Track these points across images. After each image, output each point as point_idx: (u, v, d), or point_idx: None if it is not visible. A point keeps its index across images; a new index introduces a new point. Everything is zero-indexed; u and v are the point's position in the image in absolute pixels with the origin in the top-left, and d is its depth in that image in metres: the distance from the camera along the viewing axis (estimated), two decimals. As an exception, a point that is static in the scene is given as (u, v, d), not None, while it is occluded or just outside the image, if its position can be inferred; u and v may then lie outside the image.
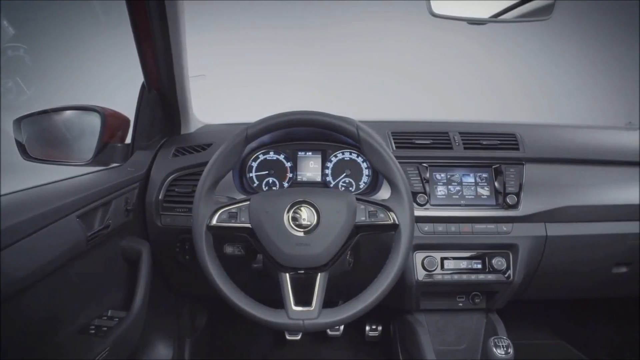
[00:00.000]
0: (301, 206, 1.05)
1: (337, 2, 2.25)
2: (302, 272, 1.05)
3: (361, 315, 1.04)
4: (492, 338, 1.21)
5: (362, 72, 2.40)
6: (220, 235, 1.15)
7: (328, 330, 1.75)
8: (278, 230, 1.04)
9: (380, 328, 1.79)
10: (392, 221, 1.06)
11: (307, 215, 1.04)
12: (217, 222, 1.06)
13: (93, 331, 1.06)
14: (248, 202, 1.08)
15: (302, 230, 1.03)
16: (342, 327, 1.76)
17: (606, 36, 1.81)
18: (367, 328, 1.78)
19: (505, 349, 1.17)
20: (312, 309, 1.02)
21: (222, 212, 1.07)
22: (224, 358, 1.74)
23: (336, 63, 2.55)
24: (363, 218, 1.07)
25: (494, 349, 1.18)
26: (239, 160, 1.12)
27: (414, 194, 1.33)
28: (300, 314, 1.02)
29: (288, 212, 1.05)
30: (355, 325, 1.80)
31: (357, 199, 1.08)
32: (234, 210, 1.08)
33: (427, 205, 1.33)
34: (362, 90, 2.40)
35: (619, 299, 1.79)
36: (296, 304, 1.03)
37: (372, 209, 1.07)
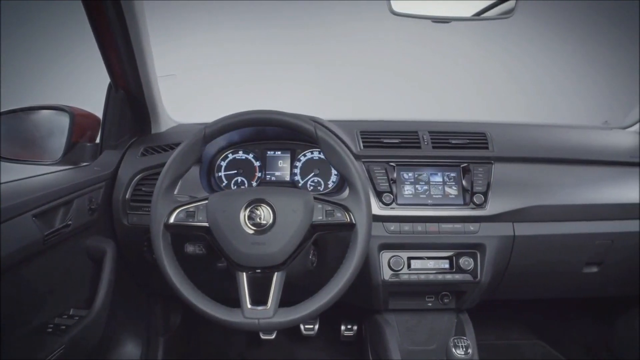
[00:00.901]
0: (257, 205, 1.05)
1: (326, 2, 2.23)
2: (259, 271, 1.05)
3: (317, 314, 1.04)
4: (452, 338, 1.20)
5: (349, 71, 2.39)
6: (180, 234, 1.15)
7: (303, 330, 1.75)
8: (234, 229, 1.04)
9: (355, 328, 1.79)
10: (348, 220, 1.06)
11: (263, 214, 1.04)
12: (174, 220, 1.07)
13: (50, 330, 1.06)
14: (206, 201, 1.08)
15: (258, 229, 1.03)
16: (317, 327, 1.76)
17: (586, 36, 1.80)
18: (343, 328, 1.78)
19: (464, 349, 1.17)
20: (267, 308, 1.02)
21: (180, 211, 1.07)
22: (199, 358, 1.74)
23: (323, 62, 2.55)
24: (320, 217, 1.06)
25: (453, 349, 1.17)
26: (197, 159, 1.12)
27: (380, 193, 1.32)
28: (255, 313, 1.02)
29: (244, 211, 1.05)
30: (330, 324, 1.80)
31: (315, 198, 1.08)
32: (191, 209, 1.08)
33: (393, 205, 1.32)
34: (348, 89, 2.39)
35: (596, 298, 1.78)
36: (254, 303, 1.04)
37: (329, 208, 1.07)
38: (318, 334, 1.78)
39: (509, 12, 1.15)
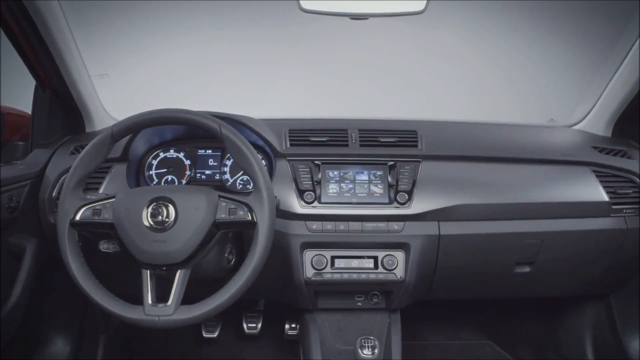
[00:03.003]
0: (160, 203, 1.05)
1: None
2: (165, 269, 1.05)
3: (217, 312, 1.04)
4: (360, 338, 1.19)
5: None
6: (88, 232, 1.15)
7: (245, 329, 1.75)
8: (136, 227, 1.04)
9: (299, 327, 1.78)
10: (250, 219, 1.06)
11: (165, 212, 1.04)
12: (80, 218, 1.07)
13: None
14: (113, 199, 1.08)
15: (159, 227, 1.03)
16: (259, 326, 1.76)
17: (537, 34, 1.77)
18: (287, 327, 1.77)
19: (371, 349, 1.16)
20: (168, 305, 1.02)
21: (86, 209, 1.08)
22: (142, 357, 1.75)
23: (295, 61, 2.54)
24: (223, 215, 1.07)
25: (359, 350, 1.16)
26: (105, 157, 1.12)
27: (302, 192, 1.32)
28: (156, 310, 1.02)
29: (147, 208, 1.05)
30: (274, 323, 1.80)
31: (220, 196, 1.08)
32: (98, 207, 1.09)
33: (315, 203, 1.31)
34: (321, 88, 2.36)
35: (542, 298, 1.76)
36: (158, 301, 1.04)
37: (232, 206, 1.07)
38: (262, 333, 1.78)
39: (419, 7, 1.13)
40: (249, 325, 1.73)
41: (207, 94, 1.82)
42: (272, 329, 1.80)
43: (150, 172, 1.46)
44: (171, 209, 1.05)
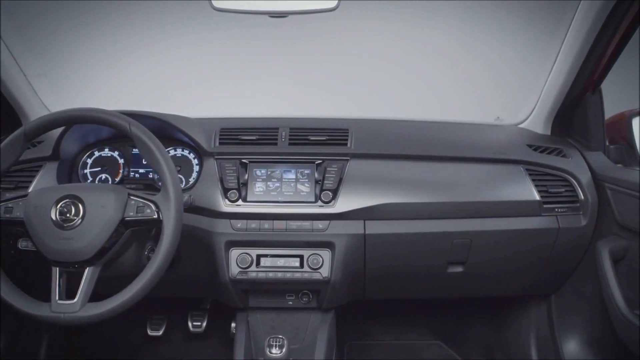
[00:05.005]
0: (69, 201, 1.06)
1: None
2: (77, 266, 1.06)
3: (123, 309, 1.05)
4: (268, 338, 1.19)
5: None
6: (6, 230, 1.16)
7: (190, 327, 1.75)
8: (44, 225, 1.05)
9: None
10: (157, 216, 1.06)
11: (73, 209, 1.05)
12: None
13: None
14: (26, 197, 1.09)
15: (67, 224, 1.04)
16: (204, 324, 1.76)
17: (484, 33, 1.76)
18: (233, 325, 1.77)
19: (280, 348, 1.16)
20: (74, 302, 1.03)
21: None
22: (88, 357, 1.75)
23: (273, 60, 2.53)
24: (132, 213, 1.08)
25: (266, 349, 1.16)
26: (18, 156, 1.13)
27: (227, 190, 1.32)
28: (62, 307, 1.03)
29: (55, 206, 1.06)
30: (221, 322, 1.80)
31: (130, 194, 1.09)
32: (10, 205, 1.10)
33: (239, 202, 1.31)
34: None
35: (491, 299, 1.75)
36: (67, 298, 1.05)
37: (141, 204, 1.08)
38: (208, 332, 1.78)
39: (331, 4, 1.13)
40: (194, 323, 1.74)
41: (160, 95, 1.82)
42: (218, 328, 1.80)
43: (85, 171, 1.47)
44: (79, 206, 1.06)
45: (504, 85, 1.82)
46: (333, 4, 1.13)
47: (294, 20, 1.21)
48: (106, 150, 1.48)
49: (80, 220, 1.05)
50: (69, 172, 1.44)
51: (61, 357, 1.65)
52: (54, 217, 1.05)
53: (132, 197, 1.09)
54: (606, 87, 1.42)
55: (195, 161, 1.45)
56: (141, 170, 1.47)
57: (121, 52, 1.69)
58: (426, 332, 1.88)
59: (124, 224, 1.07)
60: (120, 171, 1.47)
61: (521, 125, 1.66)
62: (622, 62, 1.46)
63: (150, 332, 1.75)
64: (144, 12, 1.60)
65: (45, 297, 1.08)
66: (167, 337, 1.79)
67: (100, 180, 1.46)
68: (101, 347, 1.76)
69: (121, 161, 1.47)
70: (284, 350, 1.15)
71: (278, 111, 1.57)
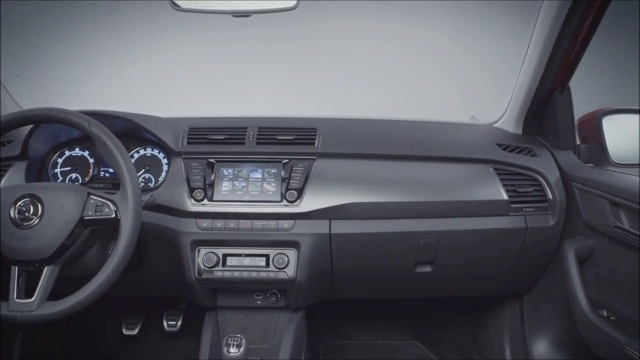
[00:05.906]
0: (27, 200, 1.06)
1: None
2: (38, 265, 1.07)
3: (80, 308, 1.05)
4: (226, 337, 1.19)
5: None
6: None
7: (166, 326, 1.76)
8: (3, 223, 1.05)
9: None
10: (114, 216, 1.07)
11: (32, 209, 1.06)
12: None
13: None
14: None
15: (25, 223, 1.05)
16: (179, 323, 1.76)
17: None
18: None
19: (237, 347, 1.16)
20: (31, 301, 1.03)
21: None
22: (64, 357, 1.75)
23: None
24: (90, 212, 1.08)
25: (224, 348, 1.16)
26: None
27: (193, 190, 1.32)
28: (20, 306, 1.04)
29: (14, 205, 1.06)
30: (196, 321, 1.80)
31: (90, 193, 1.09)
32: None
33: (205, 201, 1.32)
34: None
35: (467, 299, 1.74)
36: (26, 297, 1.05)
37: (100, 203, 1.08)
38: (184, 330, 1.78)
39: (290, 3, 1.13)
40: (169, 323, 1.74)
41: (135, 95, 1.83)
42: (193, 327, 1.80)
43: (55, 170, 1.47)
44: (38, 205, 1.06)
45: (479, 84, 1.81)
46: (292, 4, 1.13)
47: (259, 19, 1.21)
48: (77, 149, 1.49)
49: (38, 220, 1.05)
50: (39, 171, 1.45)
51: (35, 357, 1.66)
52: (12, 216, 1.06)
53: (91, 197, 1.09)
54: (575, 85, 1.41)
55: (164, 161, 1.45)
56: (111, 170, 1.47)
57: (96, 54, 1.70)
58: (404, 332, 1.87)
59: (82, 222, 1.07)
60: (91, 170, 1.47)
61: (496, 125, 1.65)
62: (594, 61, 1.46)
63: (125, 332, 1.76)
64: (112, 15, 1.61)
65: (5, 296, 1.08)
66: (142, 336, 1.80)
67: (70, 179, 1.47)
68: (76, 346, 1.77)
69: (91, 161, 1.48)
70: (241, 349, 1.15)
71: (250, 111, 1.57)
